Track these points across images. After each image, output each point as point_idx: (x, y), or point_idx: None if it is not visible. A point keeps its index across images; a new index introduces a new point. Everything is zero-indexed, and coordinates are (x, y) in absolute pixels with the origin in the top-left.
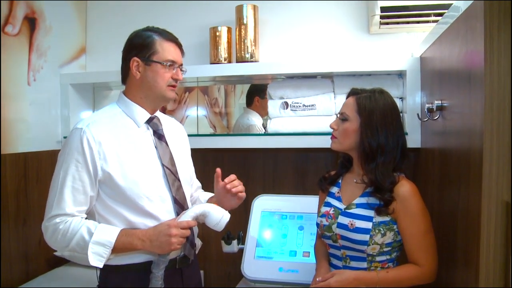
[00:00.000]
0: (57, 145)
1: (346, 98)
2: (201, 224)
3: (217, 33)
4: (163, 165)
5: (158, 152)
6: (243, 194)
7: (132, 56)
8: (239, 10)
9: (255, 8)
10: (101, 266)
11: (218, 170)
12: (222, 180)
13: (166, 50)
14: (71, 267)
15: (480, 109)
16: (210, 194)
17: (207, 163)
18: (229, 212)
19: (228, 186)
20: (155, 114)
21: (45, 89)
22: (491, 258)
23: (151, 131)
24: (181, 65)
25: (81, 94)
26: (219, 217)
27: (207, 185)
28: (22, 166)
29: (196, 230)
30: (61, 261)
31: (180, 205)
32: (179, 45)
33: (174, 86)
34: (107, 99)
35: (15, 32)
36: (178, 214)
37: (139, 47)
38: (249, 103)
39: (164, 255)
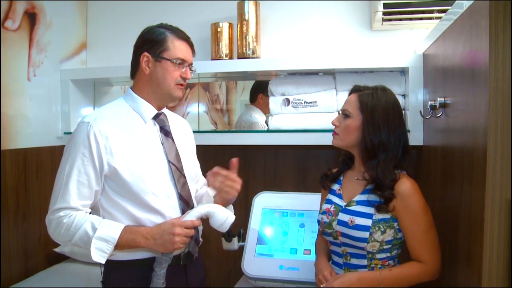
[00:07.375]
0: (57, 141)
1: (349, 95)
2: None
3: (219, 29)
4: (169, 161)
5: (164, 148)
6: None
7: (143, 51)
8: (241, 6)
9: (256, 4)
10: (103, 261)
11: (235, 161)
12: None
13: (177, 48)
14: (71, 263)
15: (484, 106)
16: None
17: (208, 159)
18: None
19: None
20: (162, 111)
21: (45, 85)
22: (494, 257)
23: (157, 127)
24: (191, 64)
25: (82, 90)
26: (224, 218)
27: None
28: (22, 161)
29: (200, 228)
30: (61, 257)
31: (185, 201)
32: (191, 45)
33: (182, 85)
34: (107, 95)
35: (15, 27)
36: (183, 210)
37: (150, 42)
38: (253, 100)
39: (166, 254)
